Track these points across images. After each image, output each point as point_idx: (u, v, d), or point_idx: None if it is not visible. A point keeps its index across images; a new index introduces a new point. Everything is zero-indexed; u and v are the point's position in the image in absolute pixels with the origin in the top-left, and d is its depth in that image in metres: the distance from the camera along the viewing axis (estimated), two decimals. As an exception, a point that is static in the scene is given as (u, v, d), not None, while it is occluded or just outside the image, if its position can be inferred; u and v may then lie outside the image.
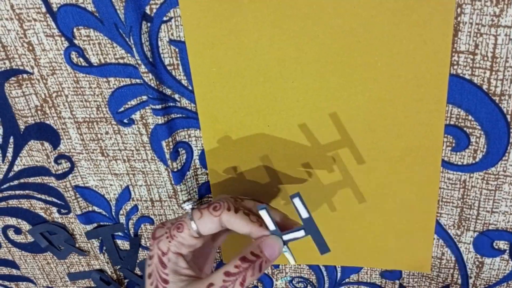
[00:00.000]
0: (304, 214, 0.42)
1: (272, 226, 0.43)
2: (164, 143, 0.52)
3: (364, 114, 0.47)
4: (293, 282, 0.64)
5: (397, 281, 0.59)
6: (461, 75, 0.44)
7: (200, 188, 0.57)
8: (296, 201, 0.41)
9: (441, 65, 0.44)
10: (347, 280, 0.61)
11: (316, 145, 0.50)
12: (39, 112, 0.53)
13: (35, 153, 0.57)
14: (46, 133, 0.55)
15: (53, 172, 0.57)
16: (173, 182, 0.55)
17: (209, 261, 0.49)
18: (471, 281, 0.56)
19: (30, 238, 0.66)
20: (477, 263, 0.54)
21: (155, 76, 0.48)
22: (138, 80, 0.50)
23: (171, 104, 0.50)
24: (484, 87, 0.43)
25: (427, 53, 0.43)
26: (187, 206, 0.45)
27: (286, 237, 0.43)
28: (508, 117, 0.44)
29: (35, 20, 0.47)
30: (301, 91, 0.47)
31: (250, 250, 0.42)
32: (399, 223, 0.53)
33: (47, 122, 0.54)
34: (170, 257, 0.43)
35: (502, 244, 0.52)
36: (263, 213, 0.42)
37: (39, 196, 0.61)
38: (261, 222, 0.43)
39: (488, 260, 0.53)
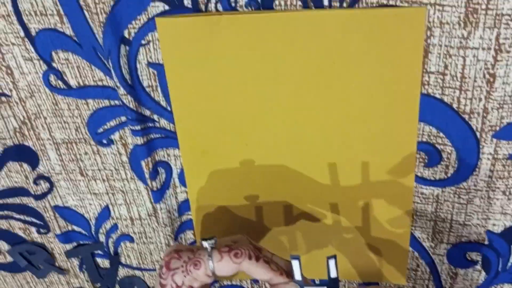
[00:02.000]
0: (333, 275, 0.43)
1: (298, 277, 0.43)
2: (143, 163, 0.52)
3: (339, 132, 0.49)
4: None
5: (374, 293, 0.60)
6: (432, 94, 0.45)
7: (179, 206, 0.57)
8: (332, 262, 0.42)
9: (412, 85, 0.45)
10: (325, 292, 0.62)
11: (295, 163, 0.51)
12: (17, 134, 0.54)
13: (14, 174, 0.57)
14: (25, 154, 0.55)
15: (32, 192, 0.57)
16: (152, 201, 0.56)
17: None
18: (445, 291, 0.57)
19: (9, 258, 0.66)
20: (451, 274, 0.55)
21: (133, 98, 0.48)
22: (117, 102, 0.51)
23: (150, 124, 0.51)
24: (454, 105, 0.45)
25: (399, 74, 0.45)
26: (208, 245, 0.44)
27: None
28: (478, 134, 0.46)
29: (13, 44, 0.48)
30: (278, 110, 0.49)
31: None
32: (375, 237, 0.54)
33: (26, 143, 0.54)
34: None
35: (474, 256, 0.53)
36: (295, 263, 0.42)
37: (18, 216, 0.61)
38: (281, 271, 0.44)
39: (461, 271, 0.55)
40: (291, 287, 0.43)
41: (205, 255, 0.43)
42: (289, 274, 0.44)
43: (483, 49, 0.42)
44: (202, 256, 0.43)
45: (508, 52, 0.41)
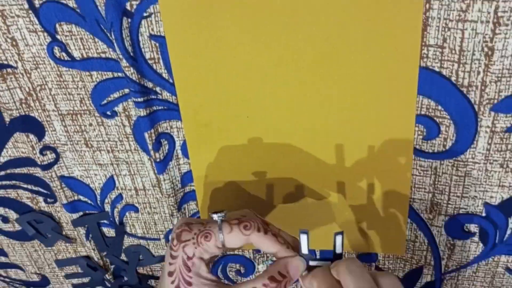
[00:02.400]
0: (339, 250, 0.43)
1: (305, 250, 0.44)
2: (146, 135, 0.53)
3: (339, 106, 0.49)
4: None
5: (374, 264, 0.61)
6: (430, 67, 0.45)
7: (182, 177, 0.58)
8: (339, 238, 0.43)
9: (411, 58, 0.45)
10: (326, 263, 0.64)
11: (295, 135, 0.52)
12: (23, 105, 0.55)
13: (21, 145, 0.58)
14: (31, 125, 0.56)
15: (39, 163, 0.58)
16: (156, 172, 0.57)
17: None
18: (443, 262, 0.58)
19: (17, 227, 0.67)
20: (448, 245, 0.56)
21: (136, 70, 0.49)
22: (120, 74, 0.51)
23: (153, 97, 0.52)
24: (453, 78, 0.45)
25: (398, 47, 0.45)
26: (218, 218, 0.45)
27: (313, 262, 0.44)
28: (476, 107, 0.46)
29: (18, 16, 0.49)
30: (279, 84, 0.49)
31: (278, 270, 0.44)
32: (374, 209, 0.55)
33: (32, 114, 0.55)
34: (194, 261, 0.44)
35: (472, 227, 0.54)
36: (304, 238, 0.44)
37: (25, 186, 0.63)
38: (287, 244, 0.45)
39: (459, 243, 0.56)
40: (297, 260, 0.44)
41: (215, 227, 0.44)
42: (295, 248, 0.45)
43: (482, 22, 0.42)
44: (213, 228, 0.44)
45: (506, 25, 0.41)
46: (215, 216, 0.45)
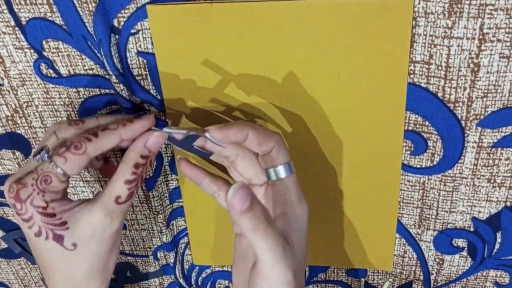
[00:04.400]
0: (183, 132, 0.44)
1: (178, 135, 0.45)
2: (135, 151, 0.53)
3: (328, 121, 0.49)
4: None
5: (363, 279, 0.61)
6: (417, 83, 0.46)
7: (171, 194, 0.58)
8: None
9: (399, 75, 0.46)
10: (315, 278, 0.63)
11: (282, 150, 0.52)
12: (10, 122, 0.54)
13: (7, 162, 0.58)
14: (17, 142, 0.56)
15: (25, 180, 0.58)
16: (144, 188, 0.56)
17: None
18: (432, 277, 0.58)
19: (3, 245, 0.66)
20: (437, 260, 0.56)
21: (126, 87, 0.49)
22: (107, 90, 0.51)
23: (141, 113, 0.51)
24: (439, 94, 0.46)
25: (386, 64, 0.45)
26: (43, 156, 0.43)
27: (166, 129, 0.45)
28: (463, 122, 0.46)
29: (4, 33, 0.48)
30: (268, 99, 0.49)
31: (140, 154, 0.44)
32: (363, 224, 0.55)
33: (18, 131, 0.55)
34: (52, 205, 0.43)
35: (460, 242, 0.54)
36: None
37: (11, 203, 0.62)
38: (124, 124, 0.45)
39: (448, 257, 0.56)
40: (156, 135, 0.45)
41: (48, 167, 0.42)
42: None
43: (468, 38, 0.42)
44: (45, 169, 0.43)
45: (492, 41, 0.42)
46: (37, 157, 0.43)
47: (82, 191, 0.59)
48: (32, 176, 0.43)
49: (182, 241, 0.62)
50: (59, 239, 0.43)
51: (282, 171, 0.45)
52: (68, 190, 0.59)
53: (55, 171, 0.42)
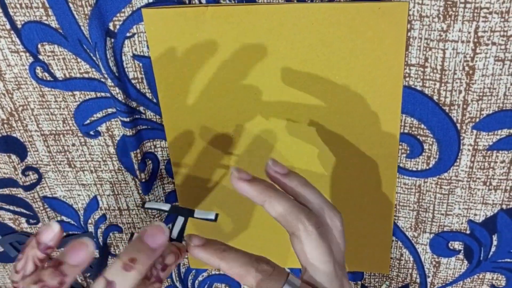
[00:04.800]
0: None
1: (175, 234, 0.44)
2: (132, 154, 0.53)
3: (325, 125, 0.49)
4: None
5: (359, 282, 0.61)
6: (413, 86, 0.46)
7: (167, 197, 0.58)
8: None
9: (395, 78, 0.46)
10: (312, 281, 0.63)
11: (278, 154, 0.52)
12: (5, 125, 0.54)
13: (3, 165, 0.58)
14: (13, 145, 0.55)
15: (21, 183, 0.58)
16: (141, 192, 0.56)
17: None
18: (429, 280, 0.58)
19: (-1, 248, 0.66)
20: (434, 263, 0.56)
21: (121, 90, 0.49)
22: (103, 94, 0.51)
23: (137, 116, 0.51)
24: (435, 97, 0.46)
25: (381, 67, 0.45)
26: None
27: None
28: (458, 125, 0.47)
29: (-1, 36, 0.48)
30: (263, 102, 0.49)
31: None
32: (359, 227, 0.55)
33: (14, 135, 0.55)
34: None
35: (457, 245, 0.54)
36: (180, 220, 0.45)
37: (7, 207, 0.62)
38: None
39: (444, 260, 0.56)
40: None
41: None
42: None
43: (462, 42, 0.42)
44: None
45: (486, 44, 0.42)
46: None
47: (78, 195, 0.59)
48: None
49: (178, 244, 0.62)
50: None
51: None
52: (64, 194, 0.59)
53: None
